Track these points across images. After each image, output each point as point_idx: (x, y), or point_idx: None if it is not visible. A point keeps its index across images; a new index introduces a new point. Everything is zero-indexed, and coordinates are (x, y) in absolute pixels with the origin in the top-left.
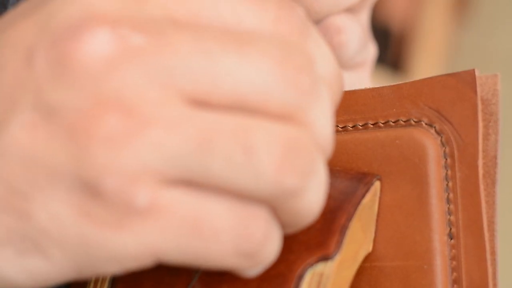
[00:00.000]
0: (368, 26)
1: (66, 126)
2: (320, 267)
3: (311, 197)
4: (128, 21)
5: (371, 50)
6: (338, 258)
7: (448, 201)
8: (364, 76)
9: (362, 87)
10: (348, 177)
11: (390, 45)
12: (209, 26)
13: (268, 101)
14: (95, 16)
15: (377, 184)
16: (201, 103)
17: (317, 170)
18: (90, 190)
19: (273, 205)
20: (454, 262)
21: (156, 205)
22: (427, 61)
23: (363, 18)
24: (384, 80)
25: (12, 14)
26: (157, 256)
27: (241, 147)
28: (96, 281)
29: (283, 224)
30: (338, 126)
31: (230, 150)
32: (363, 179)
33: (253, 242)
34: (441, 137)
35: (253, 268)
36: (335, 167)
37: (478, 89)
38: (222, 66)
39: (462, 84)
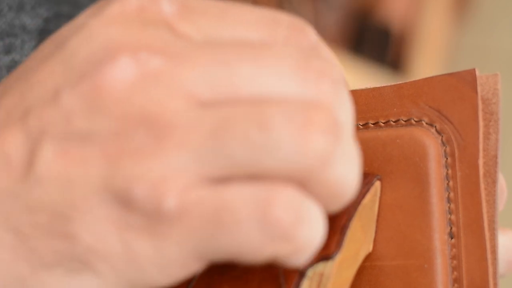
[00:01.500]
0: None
1: (98, 148)
2: (320, 267)
3: (342, 165)
4: (146, 47)
5: None
6: (338, 258)
7: (449, 200)
8: None
9: None
10: None
11: (390, 45)
12: (222, 42)
13: (286, 96)
14: (115, 47)
15: (377, 184)
16: (219, 102)
17: (346, 138)
18: (125, 203)
19: (302, 180)
20: (454, 261)
21: (185, 207)
22: (427, 61)
23: None
24: (384, 80)
25: (31, 59)
26: (200, 258)
27: (256, 124)
28: None
29: (322, 202)
30: None
31: (245, 131)
32: (363, 179)
33: (282, 226)
34: (442, 136)
35: (297, 255)
36: None
37: (479, 89)
38: (239, 73)
39: (462, 83)
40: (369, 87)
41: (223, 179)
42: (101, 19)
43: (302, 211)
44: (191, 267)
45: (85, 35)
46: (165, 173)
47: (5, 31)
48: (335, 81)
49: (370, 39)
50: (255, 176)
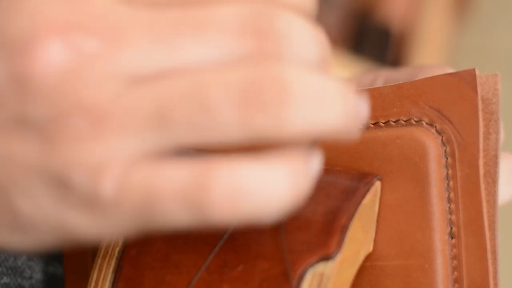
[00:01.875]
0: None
1: (34, 131)
2: (321, 267)
3: (294, 120)
4: (78, 26)
5: None
6: (338, 258)
7: (449, 200)
8: None
9: None
10: (348, 177)
11: (390, 45)
12: (162, 13)
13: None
14: (44, 26)
15: (377, 184)
16: (153, 78)
17: (292, 96)
18: (61, 185)
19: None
20: (455, 261)
21: (121, 192)
22: (427, 61)
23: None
24: None
25: None
26: (135, 231)
27: (198, 106)
28: (97, 280)
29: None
30: None
31: (188, 113)
32: (363, 179)
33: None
34: (442, 136)
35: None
36: (336, 167)
37: (479, 89)
38: (179, 50)
39: (462, 83)
40: (369, 87)
41: (161, 158)
42: None
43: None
44: (125, 235)
45: (16, 6)
46: (102, 159)
47: None
48: (278, 37)
49: (370, 39)
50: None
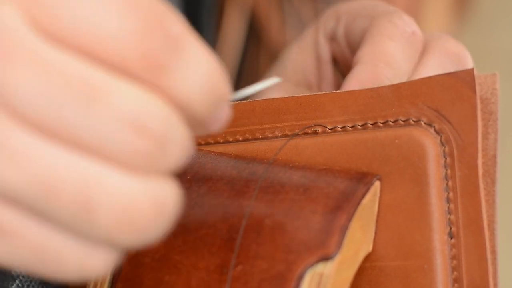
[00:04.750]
0: None
1: None
2: (320, 267)
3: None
4: None
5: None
6: (338, 258)
7: (448, 200)
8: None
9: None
10: (348, 177)
11: None
12: (65, 65)
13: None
14: None
15: (377, 184)
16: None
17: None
18: None
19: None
20: (454, 261)
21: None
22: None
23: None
24: None
25: None
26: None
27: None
28: (96, 280)
29: None
30: (337, 126)
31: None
32: (363, 179)
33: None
34: (441, 136)
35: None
36: (335, 167)
37: (477, 88)
38: (66, 114)
39: (461, 83)
40: (367, 87)
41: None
42: None
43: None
44: None
45: None
46: None
47: None
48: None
49: None
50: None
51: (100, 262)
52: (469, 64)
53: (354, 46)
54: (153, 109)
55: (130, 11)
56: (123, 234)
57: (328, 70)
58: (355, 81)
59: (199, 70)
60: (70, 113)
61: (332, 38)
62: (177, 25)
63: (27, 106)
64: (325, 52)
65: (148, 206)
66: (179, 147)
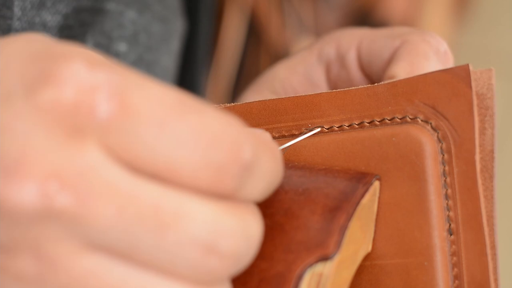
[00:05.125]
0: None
1: None
2: (320, 267)
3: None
4: (58, 177)
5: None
6: (337, 258)
7: (447, 197)
8: None
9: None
10: (347, 177)
11: None
12: (137, 198)
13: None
14: (27, 165)
15: (376, 184)
16: (105, 253)
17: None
18: None
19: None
20: (454, 258)
21: None
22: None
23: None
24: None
25: None
26: None
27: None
28: None
29: None
30: (334, 126)
31: None
32: (362, 179)
33: None
34: (438, 133)
35: None
36: (334, 167)
37: (473, 84)
38: (139, 245)
39: (456, 79)
40: (363, 86)
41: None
42: (31, 106)
43: None
44: None
45: (9, 126)
46: None
47: (26, 29)
48: (228, 273)
49: None
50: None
51: None
52: None
53: (371, 67)
54: (225, 230)
55: (206, 145)
56: None
57: None
58: None
59: (267, 177)
60: (143, 241)
61: (330, 63)
62: (249, 146)
63: (102, 235)
64: (319, 75)
65: None
66: (251, 253)
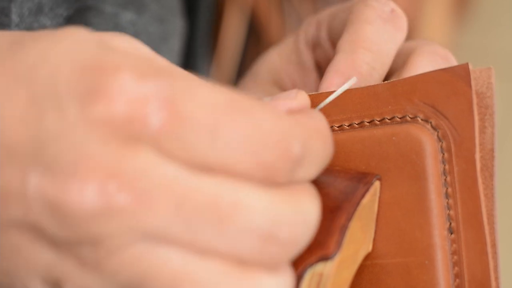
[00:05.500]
0: None
1: (51, 247)
2: (320, 267)
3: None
4: (116, 178)
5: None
6: (337, 258)
7: (447, 195)
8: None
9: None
10: (348, 177)
11: None
12: (195, 192)
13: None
14: (87, 167)
15: (376, 184)
16: (166, 246)
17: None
18: None
19: None
20: (455, 257)
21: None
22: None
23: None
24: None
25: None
26: None
27: None
28: None
29: None
30: (334, 125)
31: None
32: (362, 179)
33: None
34: (438, 132)
35: None
36: (335, 167)
37: (473, 83)
38: (201, 238)
39: (456, 78)
40: (363, 86)
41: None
42: (86, 119)
43: None
44: None
45: (64, 135)
46: None
47: None
48: (288, 257)
49: None
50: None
51: None
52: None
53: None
54: (283, 218)
55: (257, 146)
56: None
57: (312, 77)
58: (333, 73)
59: (318, 161)
60: (203, 232)
61: (315, 45)
62: (298, 141)
63: (162, 230)
64: (308, 59)
65: None
66: (309, 233)
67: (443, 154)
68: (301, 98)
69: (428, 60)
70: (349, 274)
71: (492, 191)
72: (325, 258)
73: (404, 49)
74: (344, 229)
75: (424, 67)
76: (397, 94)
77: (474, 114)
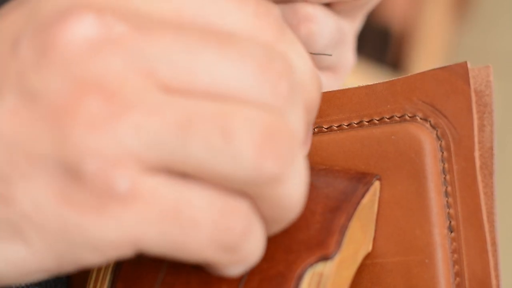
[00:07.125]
0: (356, 35)
1: (48, 110)
2: (320, 267)
3: (292, 186)
4: (113, 11)
5: (349, 59)
6: (337, 258)
7: (447, 194)
8: (333, 84)
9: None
10: (347, 177)
11: (390, 45)
12: (192, 23)
13: (247, 96)
14: (81, 4)
15: (376, 184)
16: (180, 91)
17: (297, 160)
18: (71, 174)
19: (253, 195)
20: (455, 255)
21: (137, 191)
22: (427, 61)
23: (354, 26)
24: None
25: (3, 8)
26: (137, 245)
27: (220, 130)
28: (96, 280)
29: (266, 220)
30: (333, 125)
31: (209, 133)
32: (362, 179)
33: (232, 235)
34: (437, 130)
35: (235, 266)
36: (334, 167)
37: (471, 81)
38: (202, 62)
39: (455, 77)
40: (362, 85)
41: (179, 175)
42: None
43: (252, 226)
44: (124, 250)
45: None
46: (119, 152)
47: None
48: (292, 87)
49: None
50: (210, 180)
51: (236, 220)
52: None
53: None
54: (276, 55)
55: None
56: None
57: None
58: None
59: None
60: (204, 60)
61: None
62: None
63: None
64: None
65: None
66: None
67: (442, 152)
68: None
69: None
70: (349, 274)
71: (492, 189)
72: (325, 258)
73: None
74: (344, 229)
75: None
76: (395, 93)
77: (473, 112)
